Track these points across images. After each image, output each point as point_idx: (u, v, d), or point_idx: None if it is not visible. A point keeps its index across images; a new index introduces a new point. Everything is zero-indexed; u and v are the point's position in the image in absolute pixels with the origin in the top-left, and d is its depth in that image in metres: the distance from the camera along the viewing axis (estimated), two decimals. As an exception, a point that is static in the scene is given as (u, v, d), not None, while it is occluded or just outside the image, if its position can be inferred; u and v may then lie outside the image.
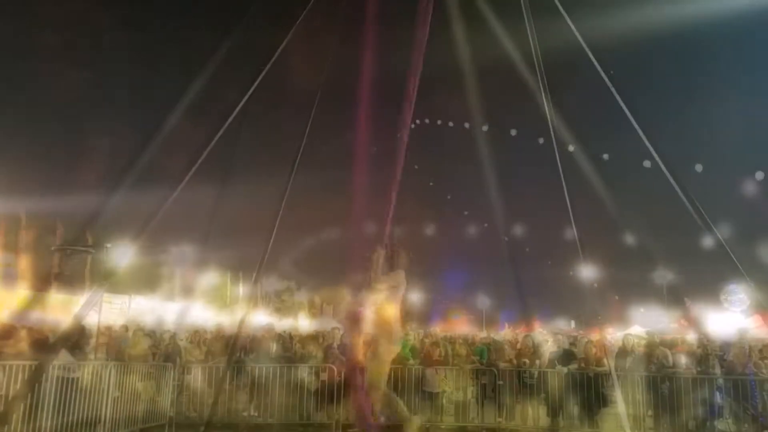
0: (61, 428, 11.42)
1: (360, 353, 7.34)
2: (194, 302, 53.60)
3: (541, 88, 10.51)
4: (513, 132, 40.66)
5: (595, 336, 19.10)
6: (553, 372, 15.04)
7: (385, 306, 7.00)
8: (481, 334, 36.40)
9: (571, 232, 10.96)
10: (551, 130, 10.62)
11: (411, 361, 15.58)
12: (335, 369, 15.13)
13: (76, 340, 14.34)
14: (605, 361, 13.37)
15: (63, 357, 11.88)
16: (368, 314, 7.09)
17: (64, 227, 46.48)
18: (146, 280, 53.11)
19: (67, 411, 11.61)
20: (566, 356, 15.82)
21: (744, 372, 14.06)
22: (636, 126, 7.22)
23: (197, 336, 20.79)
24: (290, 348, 18.23)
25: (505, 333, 51.19)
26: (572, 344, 19.75)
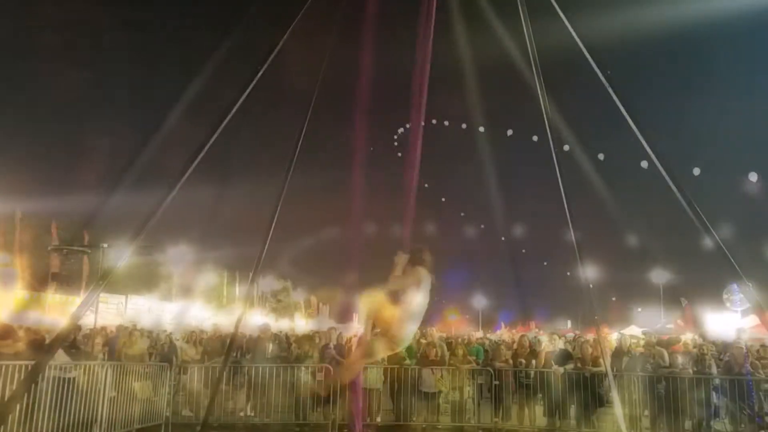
0: (57, 428, 11.40)
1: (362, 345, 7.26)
2: (191, 302, 53.61)
3: (539, 88, 10.50)
4: (509, 132, 40.70)
5: (592, 336, 19.12)
6: (549, 372, 15.04)
7: (385, 304, 6.94)
8: (478, 334, 36.45)
9: (569, 233, 10.92)
10: (547, 130, 10.61)
11: (408, 362, 15.58)
12: (331, 369, 15.14)
13: (72, 340, 14.36)
14: (602, 361, 13.37)
15: (59, 357, 11.86)
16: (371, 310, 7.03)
17: (61, 227, 46.45)
18: (143, 280, 53.10)
19: (63, 411, 11.59)
20: (563, 356, 15.82)
21: (741, 372, 14.08)
22: (633, 126, 7.21)
23: (194, 336, 20.80)
24: (286, 348, 18.24)
25: (501, 333, 51.28)
26: (568, 343, 19.79)
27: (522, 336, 18.71)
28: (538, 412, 15.50)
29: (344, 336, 17.69)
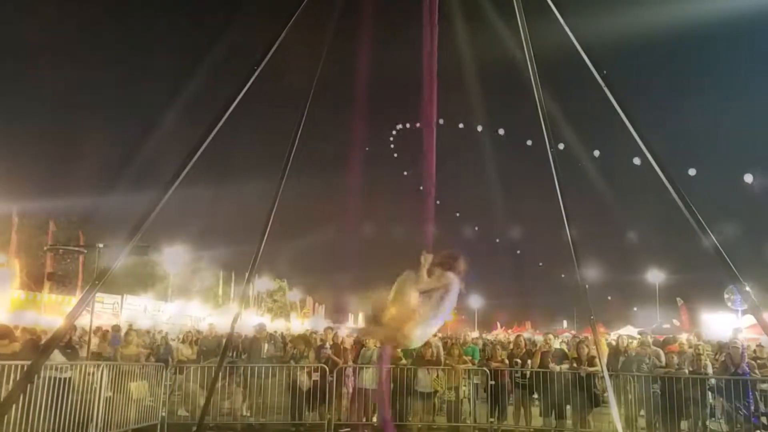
0: (53, 429, 11.38)
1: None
2: (187, 302, 53.63)
3: (534, 88, 10.49)
4: (501, 131, 40.68)
5: (588, 336, 19.13)
6: (545, 372, 15.03)
7: (397, 306, 6.83)
8: (474, 334, 36.46)
9: (564, 233, 10.90)
10: (544, 129, 10.60)
11: (403, 361, 15.57)
12: (327, 369, 15.13)
13: (68, 340, 14.33)
14: (598, 361, 13.37)
15: (55, 357, 11.84)
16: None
17: (57, 227, 46.43)
18: (139, 280, 53.11)
19: (59, 411, 11.57)
20: (559, 356, 15.83)
21: (737, 372, 14.09)
22: (628, 125, 7.21)
23: (190, 336, 20.80)
24: (282, 348, 18.24)
25: (497, 333, 51.33)
26: (563, 343, 19.79)
27: (518, 336, 18.72)
28: (534, 413, 15.51)
29: (340, 336, 17.69)
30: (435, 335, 15.84)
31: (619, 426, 11.11)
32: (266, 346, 17.46)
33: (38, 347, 12.22)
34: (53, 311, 32.02)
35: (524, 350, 16.37)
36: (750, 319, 21.81)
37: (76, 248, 35.07)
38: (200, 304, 56.90)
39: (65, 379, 12.09)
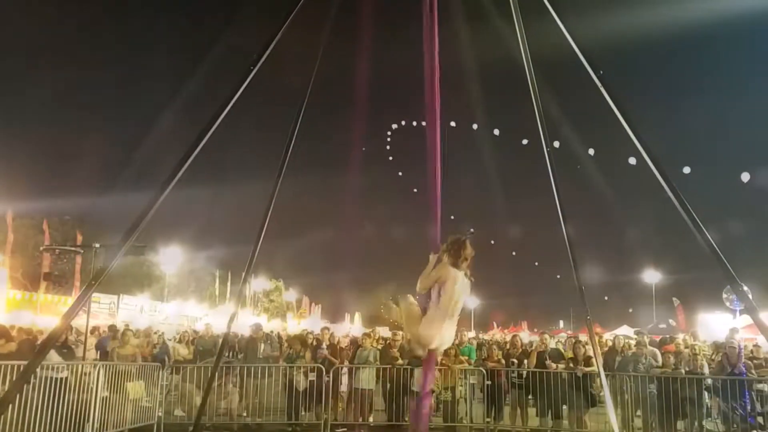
0: (49, 429, 11.38)
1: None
2: (183, 302, 53.57)
3: (531, 87, 10.48)
4: (496, 131, 40.65)
5: (584, 336, 19.14)
6: (541, 372, 15.03)
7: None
8: (470, 334, 36.48)
9: (560, 233, 10.90)
10: (540, 129, 10.59)
11: (400, 361, 15.58)
12: (324, 369, 15.13)
13: (64, 340, 14.31)
14: (594, 361, 13.37)
15: (52, 357, 11.83)
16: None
17: (53, 227, 46.37)
18: (135, 280, 53.03)
19: (55, 411, 11.56)
20: (555, 356, 15.84)
21: (733, 372, 14.10)
22: (624, 124, 7.20)
23: (186, 336, 20.79)
24: (278, 348, 18.25)
25: (494, 333, 51.31)
26: (559, 343, 19.79)
27: (514, 336, 18.72)
28: (530, 413, 15.51)
29: (336, 336, 17.70)
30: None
31: (616, 426, 11.10)
32: (263, 346, 17.46)
33: (35, 347, 12.22)
34: (49, 311, 31.96)
35: (521, 350, 16.38)
36: (746, 319, 21.81)
37: (73, 248, 35.05)
38: (197, 304, 56.87)
39: (61, 379, 12.09)
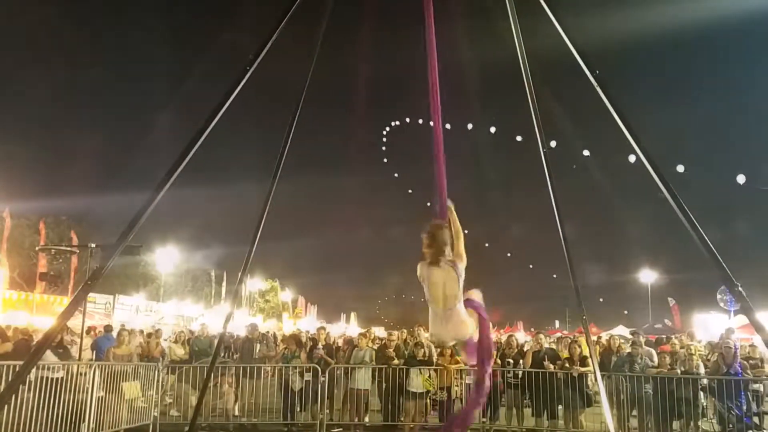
0: (44, 429, 11.37)
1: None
2: (179, 302, 53.57)
3: (527, 87, 10.48)
4: (492, 129, 40.58)
5: (579, 336, 19.14)
6: (537, 372, 15.04)
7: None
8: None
9: (556, 234, 10.89)
10: (536, 130, 10.59)
11: (396, 361, 15.58)
12: (319, 369, 15.13)
13: (60, 340, 14.29)
14: (590, 361, 13.38)
15: (47, 357, 11.82)
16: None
17: (49, 227, 46.32)
18: (131, 280, 53.04)
19: (51, 411, 11.55)
20: (551, 356, 15.84)
21: (729, 372, 14.12)
22: (621, 124, 7.20)
23: (182, 336, 20.76)
24: (274, 348, 18.25)
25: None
26: (554, 343, 19.80)
27: (510, 336, 18.72)
28: (526, 413, 15.51)
29: (332, 336, 17.69)
30: (426, 335, 15.88)
31: (611, 426, 11.12)
32: (258, 346, 17.45)
33: (30, 347, 12.21)
34: (45, 311, 31.90)
35: (516, 350, 16.38)
36: (742, 319, 21.84)
37: (69, 248, 35.07)
38: (192, 304, 56.90)
39: (57, 379, 12.08)
